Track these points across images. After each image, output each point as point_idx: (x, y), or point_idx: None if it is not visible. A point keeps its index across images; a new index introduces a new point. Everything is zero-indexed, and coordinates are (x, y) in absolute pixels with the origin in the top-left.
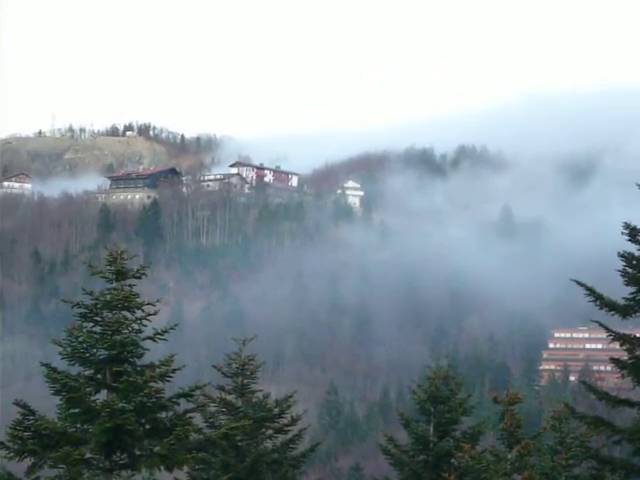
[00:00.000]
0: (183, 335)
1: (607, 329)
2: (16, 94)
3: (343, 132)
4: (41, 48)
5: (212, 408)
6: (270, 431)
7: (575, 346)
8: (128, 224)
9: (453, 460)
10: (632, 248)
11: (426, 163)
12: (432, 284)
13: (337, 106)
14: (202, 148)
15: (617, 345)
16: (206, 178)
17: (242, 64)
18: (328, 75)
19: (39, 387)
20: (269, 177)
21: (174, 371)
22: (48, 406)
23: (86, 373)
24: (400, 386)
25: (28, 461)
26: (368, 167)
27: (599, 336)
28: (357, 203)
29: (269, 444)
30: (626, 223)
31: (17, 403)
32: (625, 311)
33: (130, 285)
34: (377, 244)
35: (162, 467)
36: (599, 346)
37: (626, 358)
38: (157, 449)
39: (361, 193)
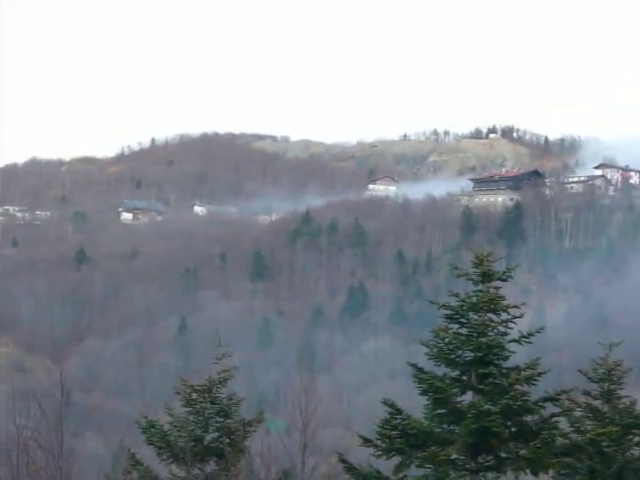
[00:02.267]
0: (545, 338)
1: None
2: (382, 99)
3: None
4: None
5: (577, 413)
6: (637, 438)
7: None
8: (490, 226)
9: None
10: None
11: None
12: None
13: None
14: (565, 150)
15: None
16: (569, 180)
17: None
18: None
19: (403, 386)
20: (635, 179)
21: (539, 375)
22: (412, 405)
23: (452, 374)
24: None
25: (395, 460)
26: None
27: None
28: None
29: (636, 451)
30: None
31: (385, 402)
32: None
33: (496, 287)
34: None
35: (527, 470)
36: None
37: None
38: (523, 452)
39: None
